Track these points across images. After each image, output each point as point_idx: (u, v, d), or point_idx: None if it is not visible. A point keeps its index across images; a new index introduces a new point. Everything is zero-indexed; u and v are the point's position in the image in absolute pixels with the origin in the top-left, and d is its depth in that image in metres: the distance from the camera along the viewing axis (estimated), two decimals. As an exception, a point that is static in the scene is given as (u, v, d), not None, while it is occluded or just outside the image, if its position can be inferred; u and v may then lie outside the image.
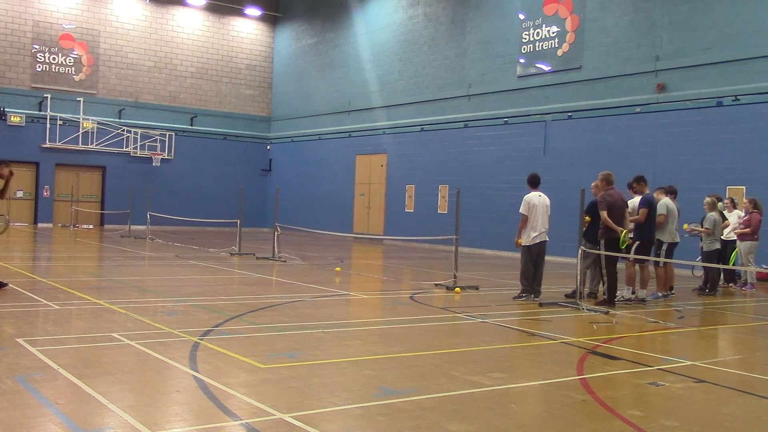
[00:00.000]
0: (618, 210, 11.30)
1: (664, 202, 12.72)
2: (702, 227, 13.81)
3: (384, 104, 27.90)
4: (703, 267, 13.96)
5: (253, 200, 32.04)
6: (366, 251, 23.54)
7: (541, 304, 11.08)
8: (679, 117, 18.54)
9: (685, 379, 6.59)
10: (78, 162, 30.21)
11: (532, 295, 11.54)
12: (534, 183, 11.88)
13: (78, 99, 29.90)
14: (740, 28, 17.43)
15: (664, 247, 12.54)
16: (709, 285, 13.61)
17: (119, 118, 30.92)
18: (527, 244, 11.60)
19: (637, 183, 12.22)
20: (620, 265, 11.99)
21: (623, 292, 11.95)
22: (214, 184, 32.51)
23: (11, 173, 11.00)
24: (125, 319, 8.51)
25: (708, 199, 13.74)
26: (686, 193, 15.73)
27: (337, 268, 14.31)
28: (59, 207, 29.94)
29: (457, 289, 12.42)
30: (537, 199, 11.61)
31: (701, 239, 13.95)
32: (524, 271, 11.64)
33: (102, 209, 30.51)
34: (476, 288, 12.84)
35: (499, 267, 18.20)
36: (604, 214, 11.17)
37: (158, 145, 31.50)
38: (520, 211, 11.66)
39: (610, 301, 11.20)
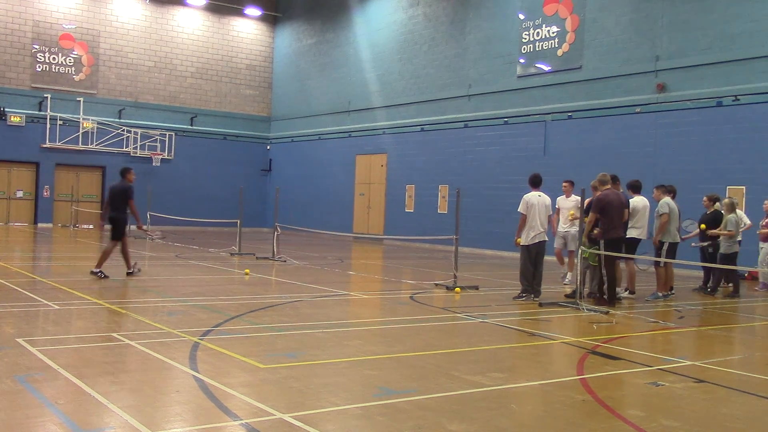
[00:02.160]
0: (614, 211, 11.31)
1: (666, 201, 12.69)
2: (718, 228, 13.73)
3: (384, 104, 27.90)
4: (703, 267, 13.97)
5: (253, 200, 32.03)
6: (366, 251, 23.54)
7: (541, 304, 11.08)
8: (679, 117, 18.54)
9: (685, 379, 6.59)
10: (78, 162, 30.21)
11: (532, 295, 11.54)
12: (535, 183, 11.89)
13: (78, 99, 29.90)
14: (740, 28, 17.43)
15: (665, 247, 12.53)
16: (711, 285, 13.62)
17: (119, 118, 30.92)
18: (526, 244, 11.60)
19: (612, 183, 12.15)
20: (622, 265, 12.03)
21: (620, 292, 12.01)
22: (214, 184, 32.49)
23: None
24: (125, 319, 8.51)
25: (726, 200, 13.43)
26: (686, 193, 15.72)
27: (246, 270, 14.14)
28: (59, 207, 29.95)
29: (457, 289, 12.42)
30: (536, 198, 11.61)
31: (699, 240, 13.93)
32: (523, 270, 11.64)
33: (102, 209, 30.46)
34: (476, 288, 12.84)
35: (499, 267, 18.19)
36: (592, 216, 11.23)
37: (158, 145, 31.51)
38: (518, 210, 11.67)
39: (610, 301, 11.21)
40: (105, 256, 12.63)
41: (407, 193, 26.61)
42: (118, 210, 12.82)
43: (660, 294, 12.44)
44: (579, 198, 12.83)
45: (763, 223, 14.57)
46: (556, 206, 14.53)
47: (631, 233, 12.25)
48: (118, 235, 12.79)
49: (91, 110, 30.19)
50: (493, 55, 23.54)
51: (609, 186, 11.52)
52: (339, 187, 29.82)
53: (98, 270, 12.40)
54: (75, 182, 30.26)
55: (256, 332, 8.09)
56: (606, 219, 11.17)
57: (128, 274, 12.78)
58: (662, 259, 12.25)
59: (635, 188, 12.68)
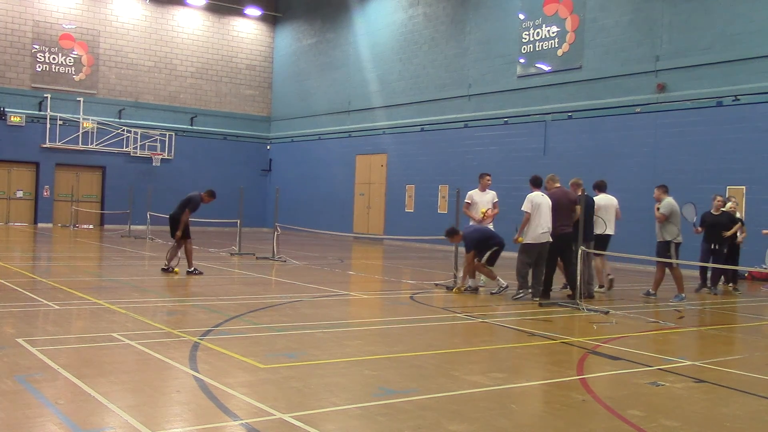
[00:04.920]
0: (559, 208, 11.50)
1: (669, 202, 12.62)
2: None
3: (384, 104, 27.90)
4: (701, 267, 14.01)
5: (253, 200, 32.02)
6: (366, 251, 23.54)
7: (541, 304, 11.08)
8: (679, 117, 18.54)
9: (685, 379, 6.59)
10: (78, 162, 30.20)
11: (529, 291, 11.53)
12: (536, 184, 11.90)
13: (78, 99, 29.90)
14: (740, 28, 17.43)
15: (673, 248, 12.46)
16: (711, 284, 13.72)
17: (119, 118, 30.92)
18: (533, 241, 11.50)
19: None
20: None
21: (471, 281, 12.44)
22: (214, 184, 32.07)
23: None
24: (125, 319, 8.51)
25: None
26: (686, 193, 15.71)
27: (176, 269, 13.83)
28: (59, 207, 29.94)
29: (457, 289, 12.42)
30: (540, 198, 11.60)
31: (702, 240, 13.97)
32: (520, 269, 11.66)
33: (102, 209, 30.50)
34: (476, 288, 12.83)
35: (499, 267, 18.12)
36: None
37: (158, 145, 31.50)
38: (523, 209, 11.57)
39: (572, 295, 11.34)
40: (189, 255, 13.55)
41: (407, 193, 26.60)
42: (180, 212, 13.69)
43: (683, 295, 12.34)
44: (495, 193, 13.17)
45: None
46: (467, 200, 13.30)
47: (596, 230, 12.55)
48: (183, 233, 13.60)
49: (91, 110, 30.19)
50: (493, 55, 23.54)
51: (558, 185, 11.90)
52: (339, 187, 29.82)
53: (192, 269, 13.45)
54: (75, 182, 30.24)
55: (256, 332, 8.09)
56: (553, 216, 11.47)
57: (163, 269, 13.61)
58: (657, 259, 12.28)
59: (600, 187, 13.25)
